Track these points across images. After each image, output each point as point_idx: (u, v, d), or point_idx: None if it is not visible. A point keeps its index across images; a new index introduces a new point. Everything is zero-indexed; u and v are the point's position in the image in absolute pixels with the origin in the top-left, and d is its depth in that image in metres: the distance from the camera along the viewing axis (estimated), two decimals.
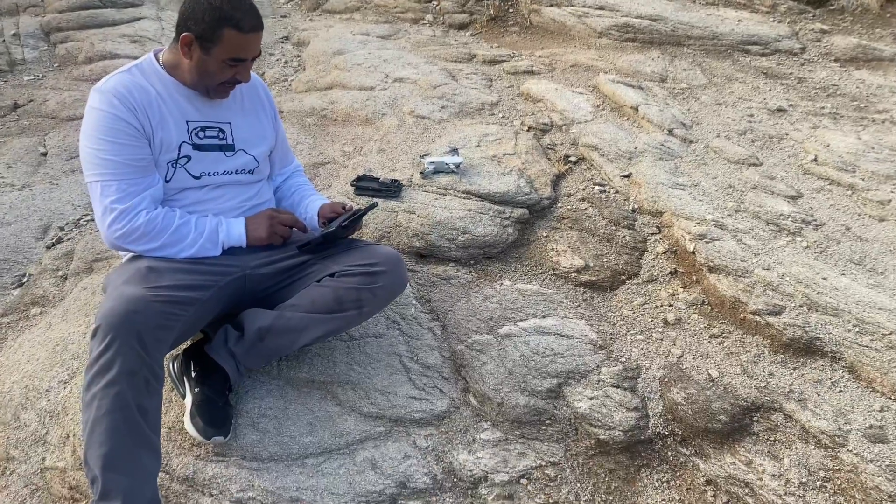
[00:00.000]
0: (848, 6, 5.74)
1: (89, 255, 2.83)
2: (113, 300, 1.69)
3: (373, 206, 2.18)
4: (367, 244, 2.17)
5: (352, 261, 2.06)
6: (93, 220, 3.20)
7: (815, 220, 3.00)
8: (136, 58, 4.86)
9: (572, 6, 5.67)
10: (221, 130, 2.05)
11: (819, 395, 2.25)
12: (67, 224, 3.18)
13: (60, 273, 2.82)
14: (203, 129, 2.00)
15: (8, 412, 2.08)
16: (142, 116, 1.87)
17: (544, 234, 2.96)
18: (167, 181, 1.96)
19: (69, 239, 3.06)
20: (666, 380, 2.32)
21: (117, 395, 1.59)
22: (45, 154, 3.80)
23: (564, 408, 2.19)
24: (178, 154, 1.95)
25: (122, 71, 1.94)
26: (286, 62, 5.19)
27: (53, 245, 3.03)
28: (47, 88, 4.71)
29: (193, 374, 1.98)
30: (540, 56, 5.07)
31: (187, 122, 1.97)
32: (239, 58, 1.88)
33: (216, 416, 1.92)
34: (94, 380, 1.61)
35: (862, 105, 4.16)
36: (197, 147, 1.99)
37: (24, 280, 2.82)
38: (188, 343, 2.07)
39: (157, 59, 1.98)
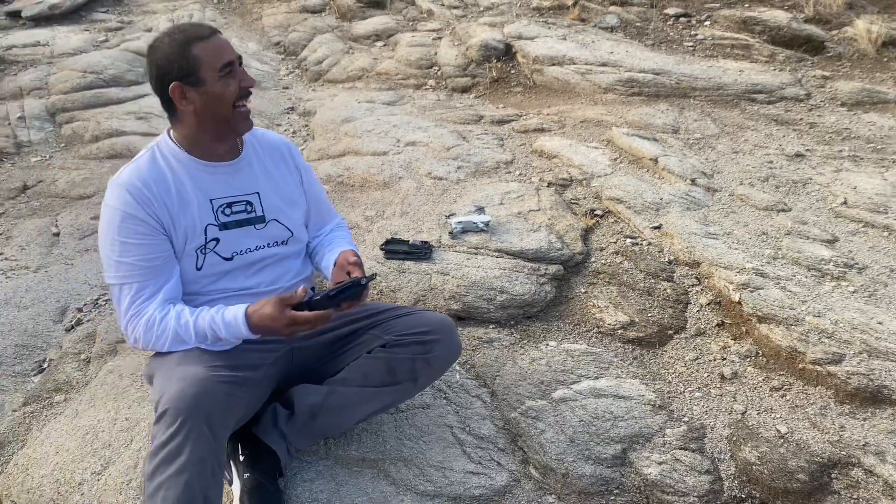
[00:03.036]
0: (845, 52, 5.84)
1: (112, 336, 2.71)
2: (179, 382, 1.57)
3: (371, 277, 1.87)
4: (417, 311, 2.06)
5: (403, 329, 1.95)
6: (111, 299, 3.10)
7: (858, 264, 2.93)
8: (143, 134, 4.83)
9: (575, 64, 5.73)
10: (249, 203, 1.89)
11: None
12: (86, 305, 3.06)
13: (83, 356, 2.69)
14: (229, 204, 1.85)
15: None
16: (159, 208, 1.73)
17: (582, 291, 2.87)
18: (199, 269, 1.83)
19: (89, 320, 2.94)
20: (734, 438, 2.19)
21: (186, 486, 1.46)
22: (57, 234, 3.72)
23: (632, 475, 2.05)
24: (206, 238, 1.81)
25: (138, 158, 1.80)
26: (294, 132, 5.19)
27: (73, 327, 2.90)
28: (55, 168, 4.66)
29: (242, 458, 1.85)
30: (548, 114, 5.08)
31: (211, 200, 1.82)
32: (226, 62, 1.71)
33: (267, 502, 1.78)
34: (160, 468, 1.48)
35: (878, 147, 4.16)
36: (224, 226, 1.84)
37: (45, 365, 2.69)
38: None
39: (171, 137, 1.83)
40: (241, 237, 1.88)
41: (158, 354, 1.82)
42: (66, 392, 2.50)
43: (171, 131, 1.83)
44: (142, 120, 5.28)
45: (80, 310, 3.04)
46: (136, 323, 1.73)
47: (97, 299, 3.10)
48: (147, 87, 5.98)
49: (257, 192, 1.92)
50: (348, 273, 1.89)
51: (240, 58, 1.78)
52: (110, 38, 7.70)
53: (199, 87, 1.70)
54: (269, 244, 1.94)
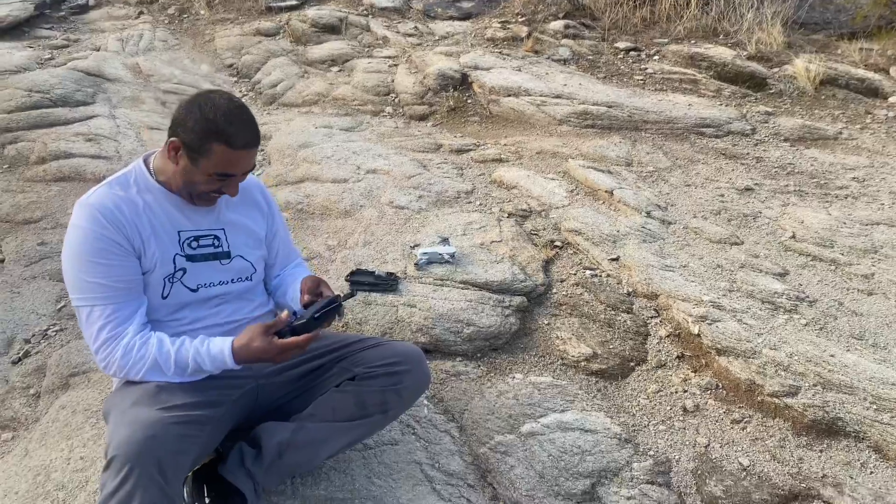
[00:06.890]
0: (786, 90, 6.10)
1: (64, 369, 2.61)
2: (127, 426, 1.52)
3: (350, 295, 1.95)
4: (385, 342, 2.05)
5: (371, 361, 1.94)
6: (62, 330, 2.98)
7: (808, 297, 3.04)
8: (93, 156, 4.69)
9: (530, 96, 5.83)
10: (216, 238, 1.90)
11: (852, 478, 2.21)
12: (34, 336, 2.93)
13: (32, 391, 2.57)
14: (196, 238, 1.86)
15: None
16: (131, 232, 1.72)
17: (545, 322, 2.90)
18: (164, 297, 1.81)
19: (37, 352, 2.82)
20: (699, 472, 2.23)
21: None
22: (2, 261, 3.56)
23: None
24: (175, 268, 1.81)
25: (108, 182, 1.79)
26: None
27: (20, 360, 2.77)
28: None
29: (208, 501, 1.79)
30: (505, 144, 5.15)
31: (179, 232, 1.82)
32: (226, 173, 1.73)
33: None
34: None
35: (821, 182, 4.34)
36: (191, 258, 1.84)
37: None
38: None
39: (148, 166, 1.83)
40: (208, 270, 1.88)
41: (119, 390, 1.77)
42: (14, 430, 2.39)
43: (154, 158, 1.84)
44: (91, 142, 5.12)
45: (27, 341, 2.91)
46: (113, 347, 1.69)
47: (46, 330, 2.98)
48: (97, 108, 5.85)
49: (223, 228, 1.94)
50: (319, 294, 1.90)
51: (250, 170, 1.79)
52: (56, 55, 7.48)
53: (191, 163, 1.72)
54: (233, 280, 1.95)
